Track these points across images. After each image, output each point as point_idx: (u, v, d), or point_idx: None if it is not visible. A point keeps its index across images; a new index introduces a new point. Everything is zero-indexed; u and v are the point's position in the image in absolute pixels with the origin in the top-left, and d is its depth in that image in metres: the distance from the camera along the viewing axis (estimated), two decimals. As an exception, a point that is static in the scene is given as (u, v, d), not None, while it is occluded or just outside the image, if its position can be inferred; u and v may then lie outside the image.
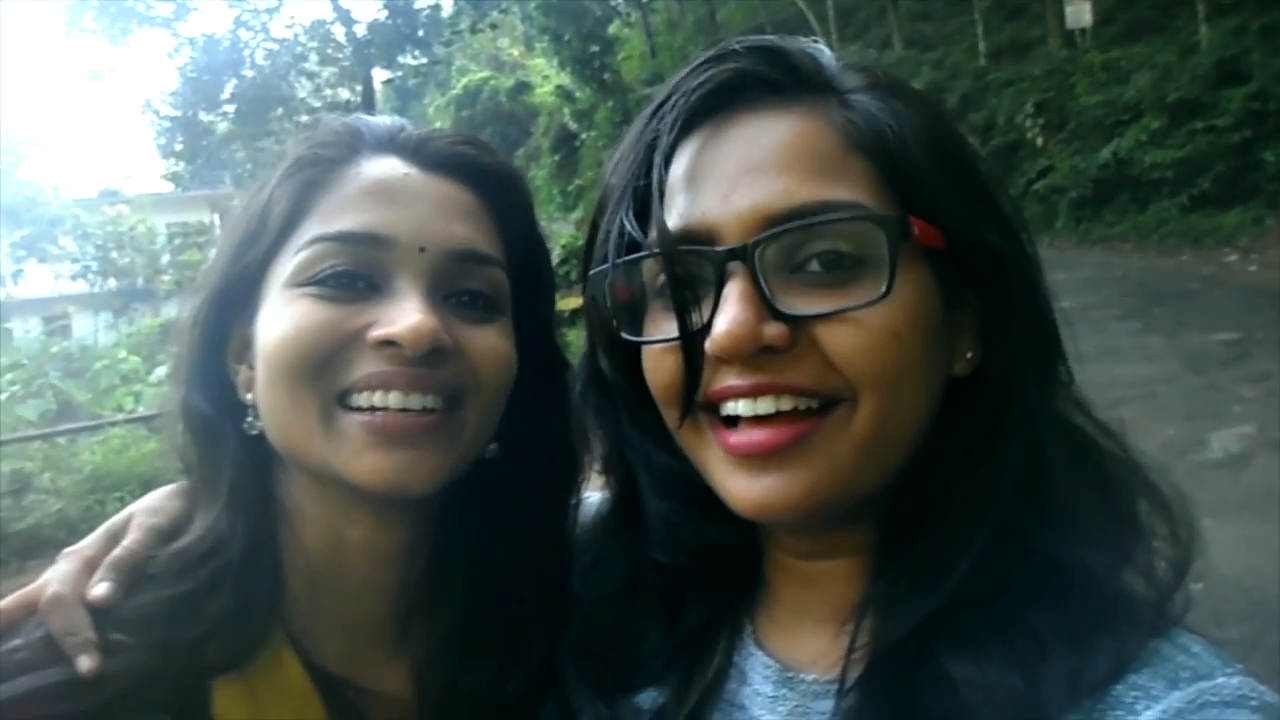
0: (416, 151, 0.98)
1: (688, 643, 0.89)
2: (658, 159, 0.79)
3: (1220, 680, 0.66)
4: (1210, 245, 12.46)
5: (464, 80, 37.64)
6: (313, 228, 0.93)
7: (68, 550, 0.92)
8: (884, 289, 0.71)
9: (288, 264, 0.92)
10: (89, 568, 0.89)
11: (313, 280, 0.91)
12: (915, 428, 0.76)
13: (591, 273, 0.83)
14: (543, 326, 1.04)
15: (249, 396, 0.95)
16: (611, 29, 28.43)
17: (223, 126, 34.63)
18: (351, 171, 0.95)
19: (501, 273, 0.98)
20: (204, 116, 33.96)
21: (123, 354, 18.86)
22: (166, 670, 0.84)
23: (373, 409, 0.88)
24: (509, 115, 34.06)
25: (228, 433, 0.95)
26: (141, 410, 13.69)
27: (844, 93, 0.79)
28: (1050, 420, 0.78)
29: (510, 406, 0.98)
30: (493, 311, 0.97)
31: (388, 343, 0.88)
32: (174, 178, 36.68)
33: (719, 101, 0.80)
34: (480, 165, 1.00)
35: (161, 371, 15.71)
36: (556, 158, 31.31)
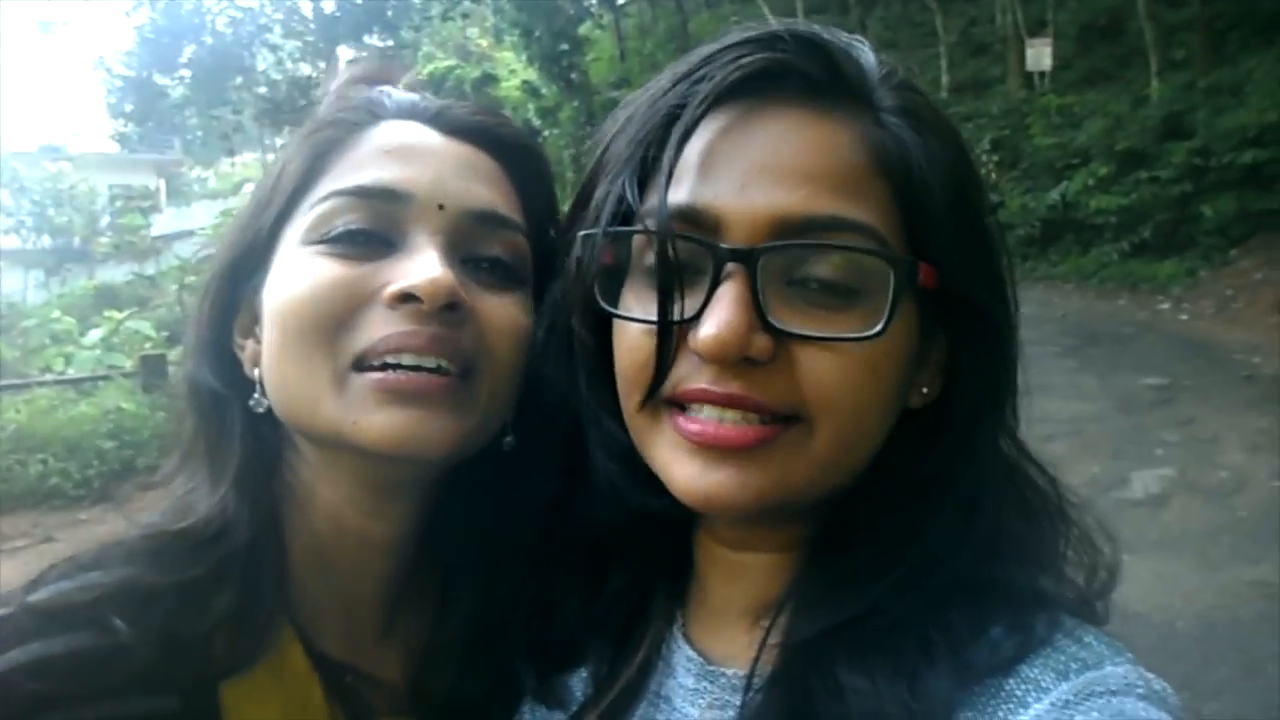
0: (437, 117, 0.96)
1: (610, 614, 0.89)
2: (676, 132, 0.74)
3: (1108, 670, 0.67)
4: (1146, 292, 12.87)
5: (430, 67, 37.13)
6: (327, 185, 0.90)
7: None
8: (879, 328, 0.70)
9: (301, 223, 0.89)
10: None
11: (327, 238, 0.87)
12: (868, 452, 0.77)
13: (582, 233, 0.80)
14: None
15: (255, 372, 0.92)
16: (582, 29, 28.22)
17: (178, 91, 33.76)
18: (370, 133, 0.93)
19: (523, 240, 0.94)
20: (159, 79, 33.07)
21: (56, 314, 18.31)
22: (174, 665, 0.80)
23: (385, 366, 0.84)
24: (473, 106, 33.70)
25: (234, 410, 0.93)
26: (72, 372, 13.27)
27: (880, 110, 0.76)
28: (993, 455, 0.80)
29: (528, 393, 0.93)
30: (512, 281, 0.93)
31: (406, 298, 0.84)
32: (121, 139, 35.66)
33: (754, 86, 0.75)
34: (500, 134, 0.98)
35: (96, 335, 15.24)
36: (518, 153, 31.06)
